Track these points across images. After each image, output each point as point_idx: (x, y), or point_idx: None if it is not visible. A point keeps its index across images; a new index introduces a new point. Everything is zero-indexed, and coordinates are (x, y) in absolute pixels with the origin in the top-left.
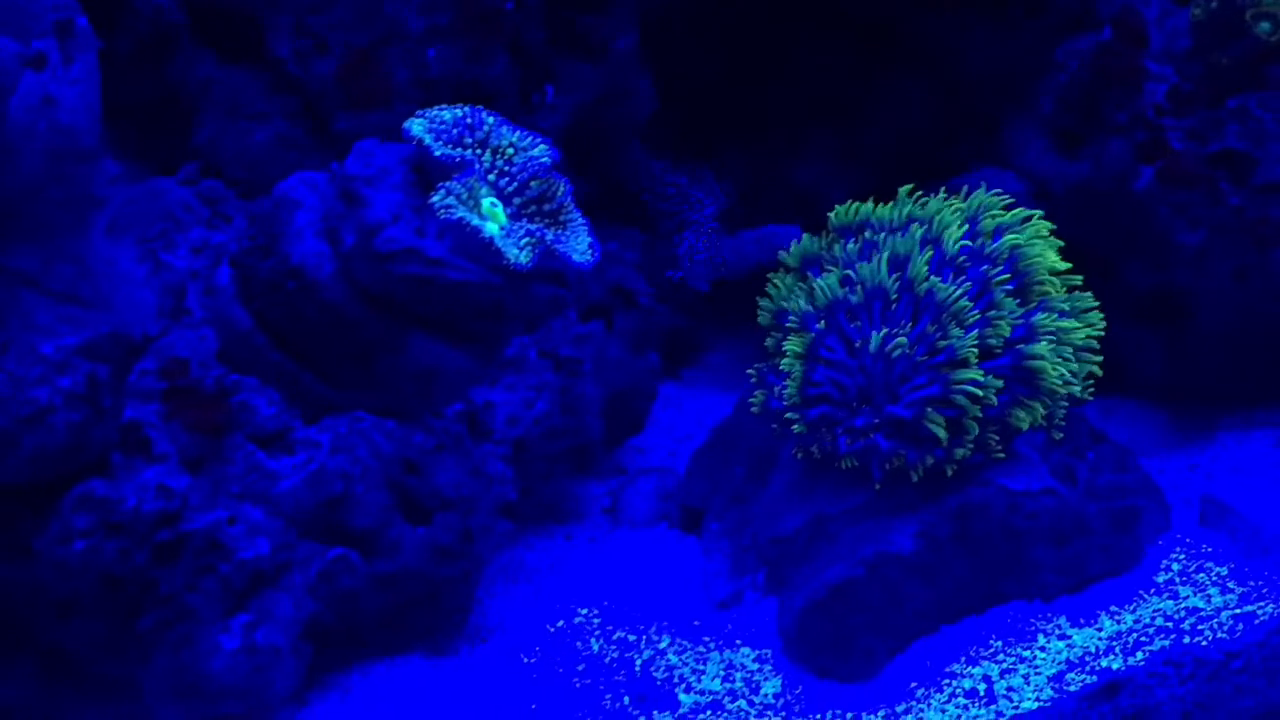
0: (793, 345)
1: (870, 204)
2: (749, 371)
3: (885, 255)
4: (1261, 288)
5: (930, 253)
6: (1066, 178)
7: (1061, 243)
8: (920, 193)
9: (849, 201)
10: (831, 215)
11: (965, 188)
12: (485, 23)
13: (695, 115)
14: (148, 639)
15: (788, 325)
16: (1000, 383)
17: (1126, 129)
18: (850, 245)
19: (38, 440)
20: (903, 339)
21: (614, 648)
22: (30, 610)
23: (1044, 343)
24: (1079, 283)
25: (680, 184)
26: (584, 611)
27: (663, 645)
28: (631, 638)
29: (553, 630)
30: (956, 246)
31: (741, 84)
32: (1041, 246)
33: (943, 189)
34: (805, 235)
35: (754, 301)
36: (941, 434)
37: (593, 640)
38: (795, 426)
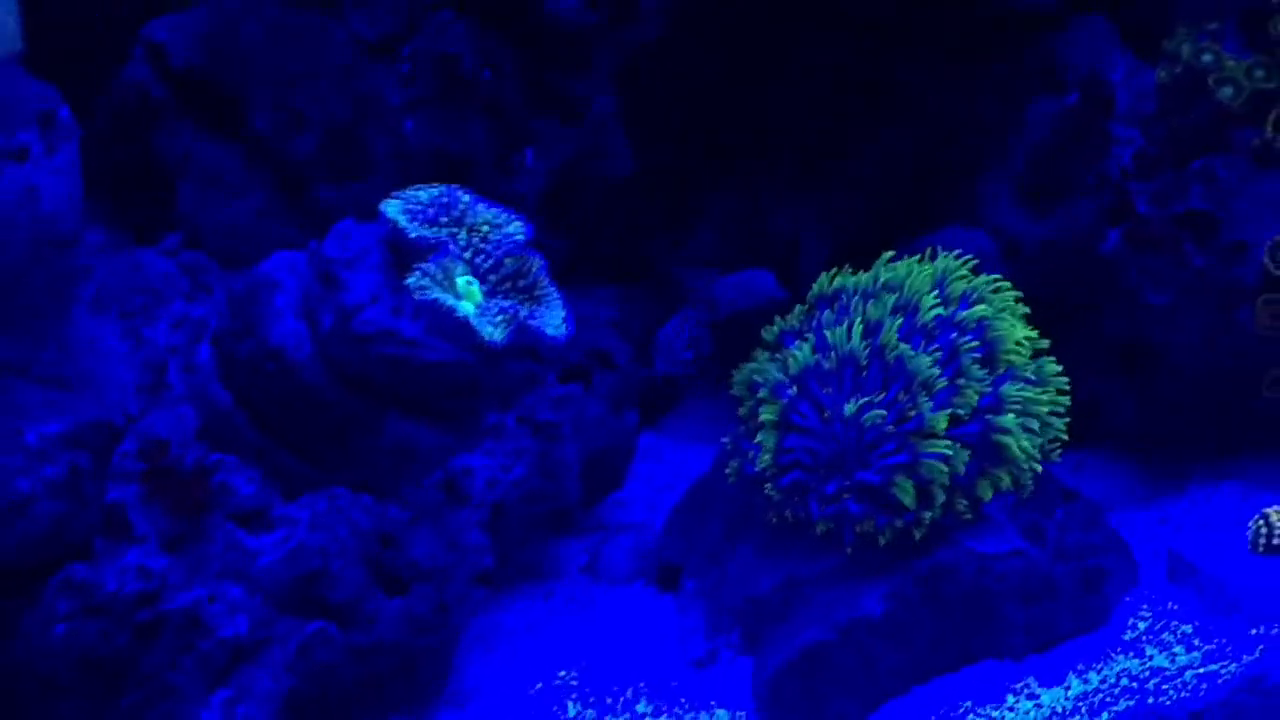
0: (766, 414)
1: (848, 272)
2: (724, 440)
3: (858, 321)
4: (1228, 346)
5: (900, 320)
6: (1036, 237)
7: (1028, 309)
8: (891, 255)
9: (826, 257)
10: (814, 286)
11: (934, 248)
12: (462, 91)
13: (677, 164)
14: (130, 718)
15: (760, 395)
16: (968, 454)
17: (1093, 191)
18: (826, 314)
19: (21, 529)
20: (880, 411)
21: (591, 710)
22: (16, 689)
23: (1011, 415)
24: (1045, 346)
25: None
26: (562, 674)
27: (640, 708)
28: (609, 700)
29: (531, 693)
30: (931, 315)
31: (724, 130)
32: (1009, 317)
33: (919, 255)
34: (772, 284)
35: (731, 345)
36: (910, 500)
37: (570, 704)
38: (769, 492)
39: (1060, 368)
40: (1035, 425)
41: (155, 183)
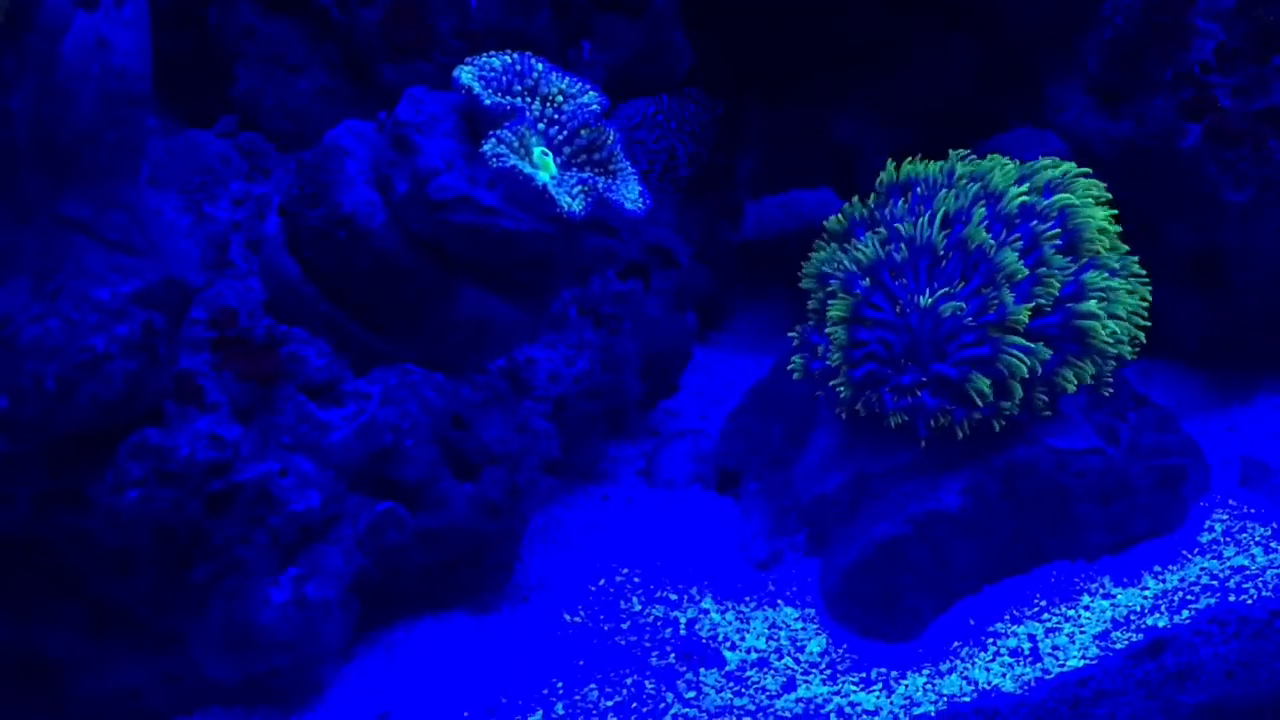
0: (837, 307)
1: (920, 162)
2: (791, 334)
3: (939, 212)
4: None
5: (983, 209)
6: (1110, 136)
7: (1110, 205)
8: (967, 152)
9: (890, 158)
10: (882, 175)
11: (1000, 153)
12: None
13: (732, 67)
14: (199, 591)
15: (830, 287)
16: (1049, 353)
17: (1173, 86)
18: (899, 204)
19: (94, 389)
20: (960, 304)
21: (657, 606)
22: (81, 560)
23: (1093, 301)
24: (1126, 249)
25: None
26: (624, 571)
27: (705, 604)
28: (673, 596)
29: (594, 589)
30: (1016, 204)
31: (779, 35)
32: (1092, 205)
33: (991, 153)
34: (853, 201)
35: (779, 265)
36: (987, 394)
37: (634, 599)
38: (841, 386)
39: (1144, 270)
40: (1121, 311)
41: (210, 63)
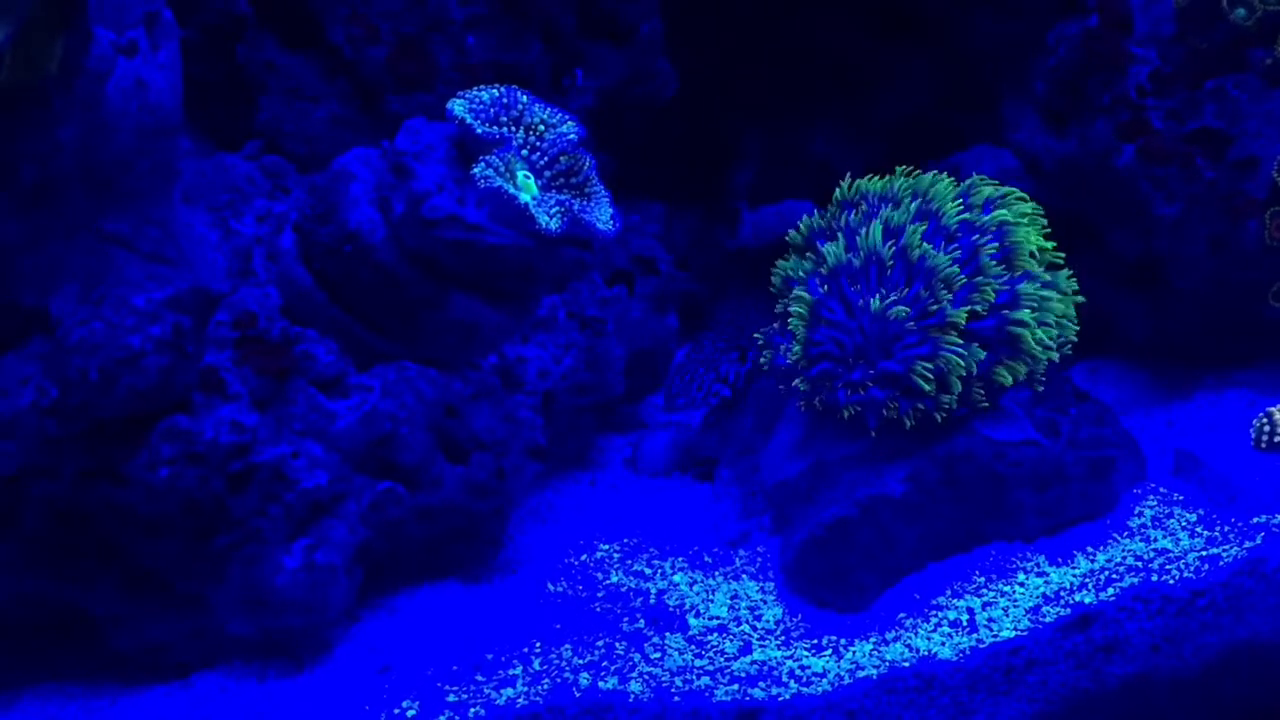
0: (798, 309)
1: (869, 179)
2: (755, 335)
3: (879, 225)
4: (1235, 256)
5: (925, 225)
6: (1056, 154)
7: (1045, 222)
8: (914, 169)
9: (853, 175)
10: (836, 191)
11: (959, 169)
12: (519, 11)
13: (718, 95)
14: (221, 557)
15: (794, 292)
16: (983, 354)
17: (1110, 109)
18: (852, 216)
19: (131, 380)
20: (903, 308)
21: (632, 579)
22: (118, 529)
23: (1026, 311)
24: (1061, 260)
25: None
26: (605, 547)
27: (676, 578)
28: (648, 570)
29: (576, 563)
30: (955, 220)
31: (760, 63)
32: (1027, 225)
33: (938, 170)
34: (812, 213)
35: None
36: (929, 386)
37: (613, 572)
38: (799, 382)
39: (1073, 276)
40: (1050, 319)
41: (238, 93)
